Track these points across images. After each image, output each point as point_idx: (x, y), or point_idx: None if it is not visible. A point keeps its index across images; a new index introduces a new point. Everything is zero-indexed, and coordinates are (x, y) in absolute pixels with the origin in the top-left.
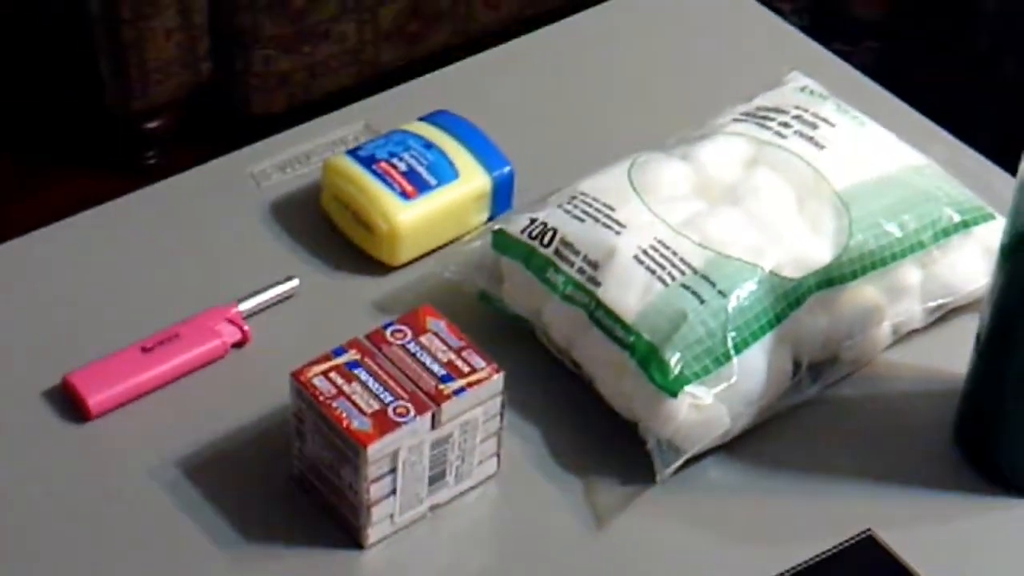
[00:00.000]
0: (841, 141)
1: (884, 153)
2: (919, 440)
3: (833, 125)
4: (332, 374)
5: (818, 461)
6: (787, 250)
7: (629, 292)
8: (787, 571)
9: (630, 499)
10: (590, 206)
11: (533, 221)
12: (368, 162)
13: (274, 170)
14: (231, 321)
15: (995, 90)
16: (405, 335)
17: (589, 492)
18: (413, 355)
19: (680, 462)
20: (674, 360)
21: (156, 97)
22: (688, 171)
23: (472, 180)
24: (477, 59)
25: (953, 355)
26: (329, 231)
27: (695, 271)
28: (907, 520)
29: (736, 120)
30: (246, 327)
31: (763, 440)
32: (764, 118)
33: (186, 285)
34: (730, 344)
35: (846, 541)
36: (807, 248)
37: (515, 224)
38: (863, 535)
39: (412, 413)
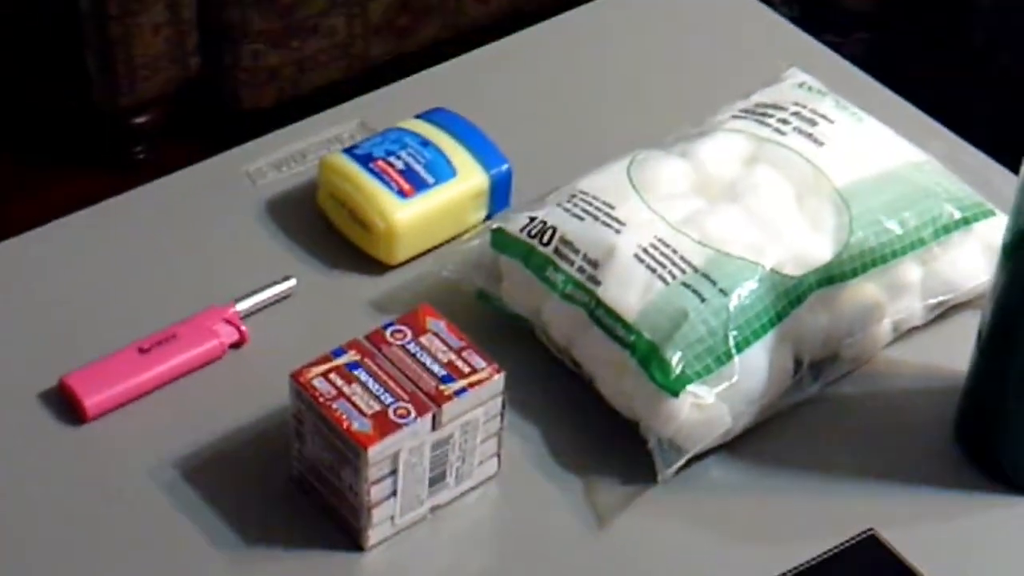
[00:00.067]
0: (840, 137)
1: (883, 149)
2: (920, 438)
3: (832, 122)
4: (332, 375)
5: (819, 459)
6: (787, 248)
7: (630, 291)
8: (790, 571)
9: (631, 499)
10: (590, 204)
11: (532, 220)
12: (365, 160)
13: (270, 168)
14: (228, 321)
15: (989, 84)
16: (405, 335)
17: (590, 492)
18: (413, 356)
19: (682, 462)
20: (675, 359)
21: (144, 92)
22: (687, 168)
23: (470, 178)
24: (472, 56)
25: (953, 352)
26: (325, 230)
27: (696, 269)
28: (909, 519)
29: (735, 117)
30: (243, 327)
31: (764, 439)
32: (763, 115)
33: (182, 285)
34: (731, 343)
35: (849, 540)
36: (807, 245)
37: (514, 223)
38: (865, 534)
39: (413, 414)
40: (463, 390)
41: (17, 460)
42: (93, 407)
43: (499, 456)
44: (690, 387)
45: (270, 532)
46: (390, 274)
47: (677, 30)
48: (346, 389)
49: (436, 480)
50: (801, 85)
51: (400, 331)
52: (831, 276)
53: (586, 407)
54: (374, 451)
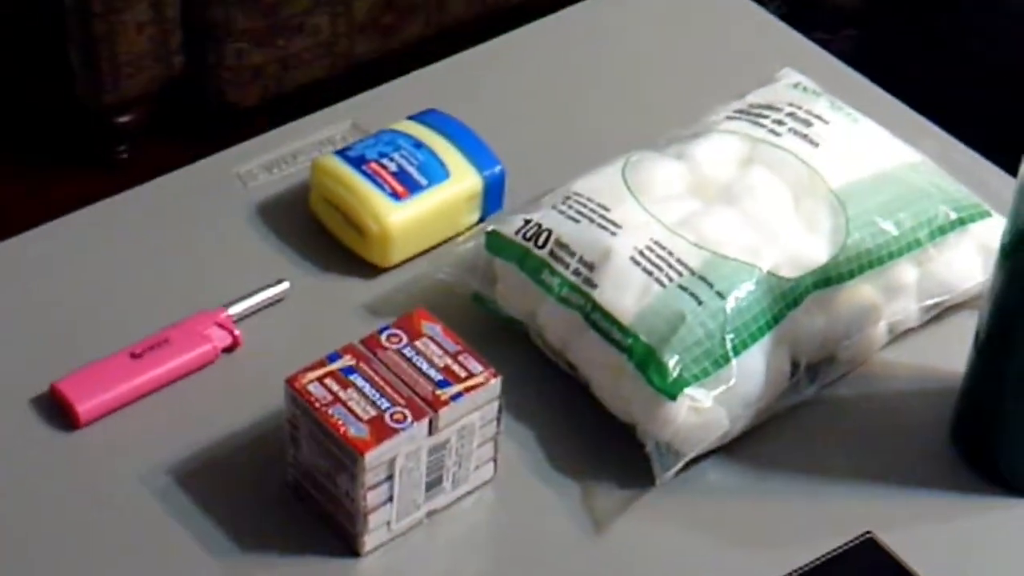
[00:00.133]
0: (835, 138)
1: (878, 150)
2: (916, 439)
3: (827, 122)
4: (327, 380)
5: (816, 462)
6: (784, 249)
7: (626, 294)
8: (788, 574)
9: (628, 503)
10: (584, 206)
11: (527, 222)
12: (357, 162)
13: (260, 170)
14: (221, 325)
15: (976, 80)
16: (400, 339)
17: (586, 496)
18: (409, 360)
19: (680, 465)
20: (673, 362)
21: (128, 91)
22: (682, 170)
23: (463, 180)
24: (464, 56)
25: (949, 353)
26: (318, 232)
27: (692, 272)
28: (906, 521)
29: (729, 118)
30: (236, 331)
31: (761, 442)
32: (758, 115)
33: (174, 288)
34: (729, 346)
35: (847, 543)
36: (803, 247)
37: (509, 225)
38: (864, 537)
39: (409, 419)
40: (460, 395)
41: (9, 467)
42: (85, 413)
43: (495, 460)
44: (687, 390)
45: (265, 538)
46: (383, 277)
47: (669, 30)
48: (342, 394)
49: (432, 485)
50: (796, 86)
51: (396, 335)
52: (828, 278)
53: (582, 410)
54: (371, 457)
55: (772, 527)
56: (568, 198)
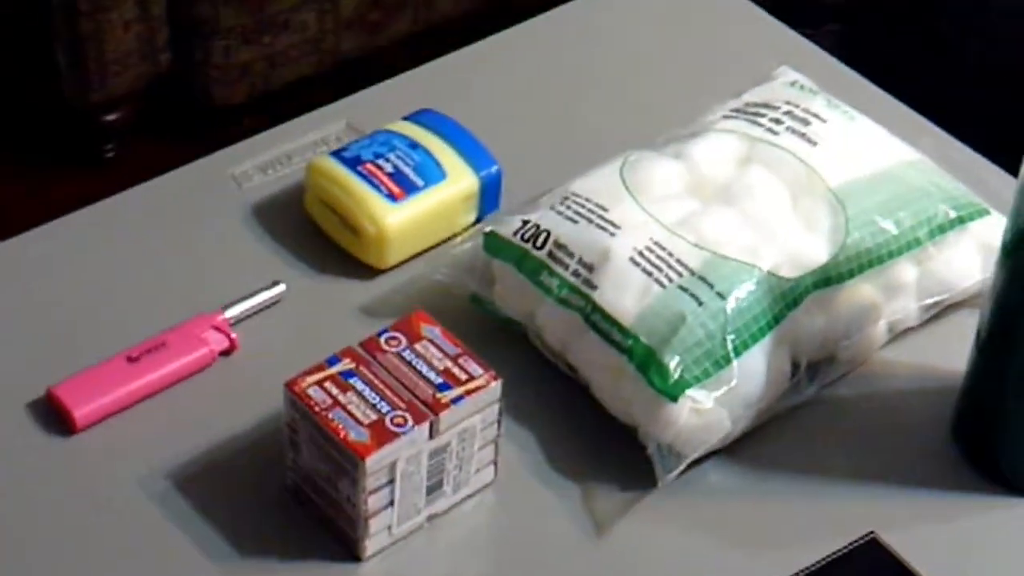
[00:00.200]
0: (833, 137)
1: (876, 148)
2: (917, 438)
3: (824, 121)
4: (327, 384)
5: (817, 462)
6: (783, 249)
7: (626, 294)
8: (794, 575)
9: (629, 505)
10: (583, 207)
11: (525, 223)
12: (353, 163)
13: (255, 171)
14: (218, 328)
15: (959, 75)
16: (400, 343)
17: (587, 498)
18: (409, 363)
19: (682, 467)
20: (674, 364)
21: (114, 89)
22: (681, 169)
23: (460, 181)
24: (457, 55)
25: (949, 352)
26: (313, 234)
27: (692, 272)
28: (908, 520)
29: (726, 117)
30: (233, 334)
31: (762, 442)
32: (755, 114)
33: (169, 291)
34: (730, 347)
35: (850, 544)
36: (803, 247)
37: (507, 226)
38: (867, 538)
39: (410, 423)
40: (460, 398)
41: (5, 472)
42: (82, 418)
43: (496, 463)
44: (689, 392)
45: (265, 543)
46: (380, 278)
47: (665, 28)
48: (342, 398)
49: (433, 489)
50: (792, 84)
51: (395, 338)
52: (828, 278)
53: (582, 412)
54: (371, 461)
55: (774, 528)
56: (566, 198)
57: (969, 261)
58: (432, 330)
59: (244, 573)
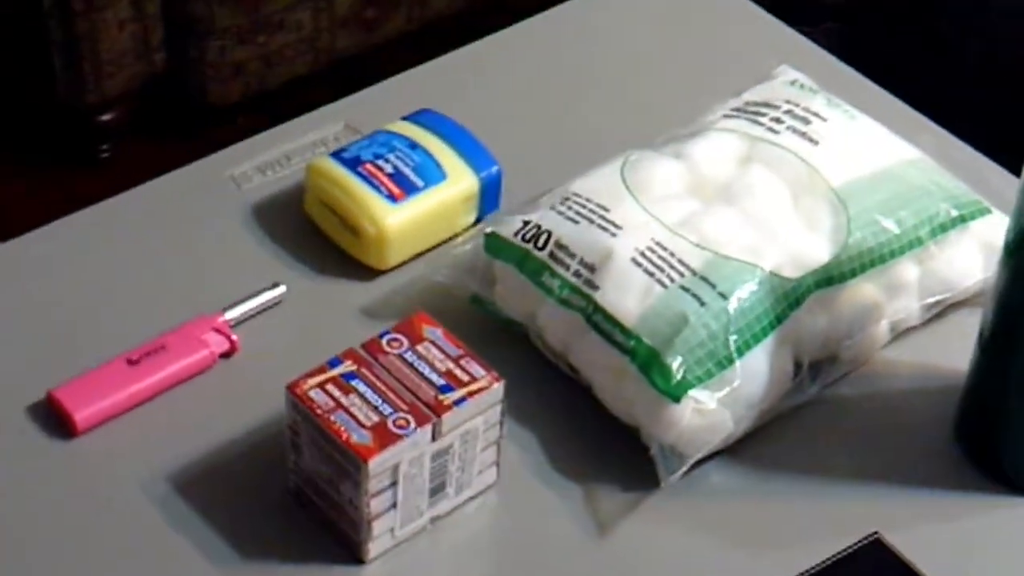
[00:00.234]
0: (834, 136)
1: (877, 147)
2: (919, 438)
3: (825, 120)
4: (329, 386)
5: (819, 462)
6: (785, 249)
7: (628, 295)
8: None
9: (632, 506)
10: (584, 207)
11: (526, 224)
12: (353, 164)
13: (254, 172)
14: (218, 330)
15: (958, 74)
16: (401, 344)
17: (590, 499)
18: (411, 365)
19: (685, 468)
20: (676, 365)
21: (110, 89)
22: (681, 169)
23: (460, 181)
24: (455, 55)
25: (950, 351)
26: (313, 235)
27: (694, 273)
28: (911, 521)
29: (727, 116)
30: (234, 336)
31: (764, 442)
32: (755, 113)
33: (169, 293)
34: (732, 347)
35: (854, 544)
36: (804, 246)
37: (507, 227)
38: (870, 538)
39: (412, 425)
40: (463, 399)
41: (6, 476)
42: (83, 421)
43: (498, 465)
44: (691, 392)
45: (267, 546)
46: (381, 279)
47: (664, 27)
48: (344, 400)
49: (436, 491)
50: (792, 83)
51: (397, 340)
52: (830, 277)
53: (583, 413)
54: (374, 463)
55: (777, 528)
56: (567, 199)
57: (971, 260)
58: (434, 331)
59: None
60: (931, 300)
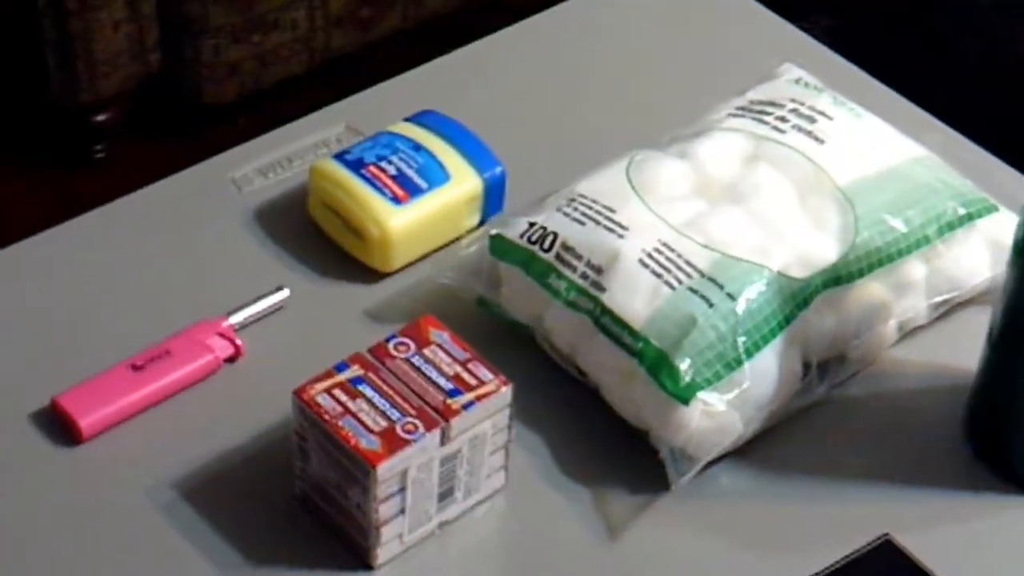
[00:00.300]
0: (840, 135)
1: (884, 145)
2: (929, 437)
3: (831, 118)
4: (336, 391)
5: (828, 463)
6: (792, 249)
7: (636, 297)
8: None
9: (641, 508)
10: (590, 208)
11: (532, 225)
12: (356, 166)
13: (256, 175)
14: (222, 335)
15: (956, 71)
16: (408, 348)
17: (599, 502)
18: (418, 369)
19: (695, 471)
20: (685, 366)
21: (104, 89)
22: (687, 169)
23: (464, 182)
24: (455, 55)
25: (958, 350)
26: (316, 237)
27: (702, 274)
28: (921, 521)
29: (731, 115)
30: (238, 341)
31: (773, 444)
32: (761, 112)
33: (172, 297)
34: (741, 348)
35: (865, 546)
36: (812, 246)
37: (513, 228)
38: (881, 539)
39: (421, 430)
40: (471, 403)
41: (11, 484)
42: (88, 427)
43: (507, 468)
44: (700, 394)
45: (274, 552)
46: (385, 282)
47: (665, 25)
48: (351, 405)
49: (445, 495)
50: (797, 81)
51: (403, 343)
52: (838, 277)
53: (591, 415)
54: (383, 469)
55: (787, 530)
56: (573, 200)
57: (978, 258)
58: (441, 335)
59: None
60: (939, 299)
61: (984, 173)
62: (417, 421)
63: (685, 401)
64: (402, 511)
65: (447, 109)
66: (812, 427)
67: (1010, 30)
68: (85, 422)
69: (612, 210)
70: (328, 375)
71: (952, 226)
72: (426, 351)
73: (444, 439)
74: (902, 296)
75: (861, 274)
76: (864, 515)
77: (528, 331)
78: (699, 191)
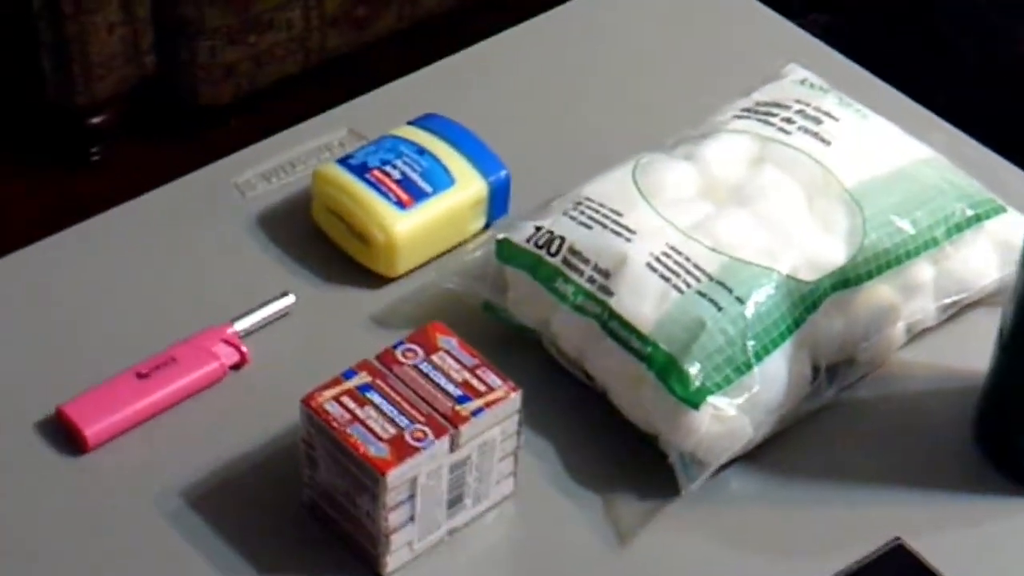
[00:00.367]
0: (846, 136)
1: (890, 147)
2: (939, 440)
3: (837, 119)
4: (344, 398)
5: (838, 466)
6: (801, 252)
7: (644, 301)
8: None
9: (650, 514)
10: (597, 212)
11: (538, 229)
12: (360, 171)
13: (258, 180)
14: (228, 342)
15: (959, 75)
16: (416, 354)
17: (609, 508)
18: (426, 375)
19: (706, 476)
20: (694, 371)
21: (100, 92)
22: (693, 172)
23: (469, 186)
24: (457, 57)
25: (967, 352)
26: (320, 242)
27: (710, 277)
28: (932, 525)
29: (737, 117)
30: (244, 348)
31: (782, 448)
32: (766, 114)
33: (176, 303)
34: (750, 352)
35: (877, 551)
36: (820, 249)
37: (520, 233)
38: (893, 544)
39: (430, 437)
40: (480, 410)
41: (16, 494)
42: (93, 436)
43: (515, 475)
44: (710, 399)
45: (282, 560)
46: (390, 287)
47: (667, 26)
48: (359, 413)
49: (454, 503)
50: (803, 82)
51: (411, 350)
52: (846, 279)
53: (600, 420)
54: (392, 476)
55: (798, 535)
56: (579, 203)
57: (986, 259)
58: (448, 341)
59: None
60: (947, 300)
61: (989, 173)
62: (426, 428)
63: (695, 406)
64: (412, 518)
65: (449, 112)
66: (821, 430)
67: (1010, 30)
68: (90, 431)
69: (619, 214)
70: (336, 382)
71: (960, 227)
72: (434, 357)
73: (453, 446)
74: (910, 298)
75: (870, 276)
76: (874, 518)
77: (535, 335)
78: (705, 193)
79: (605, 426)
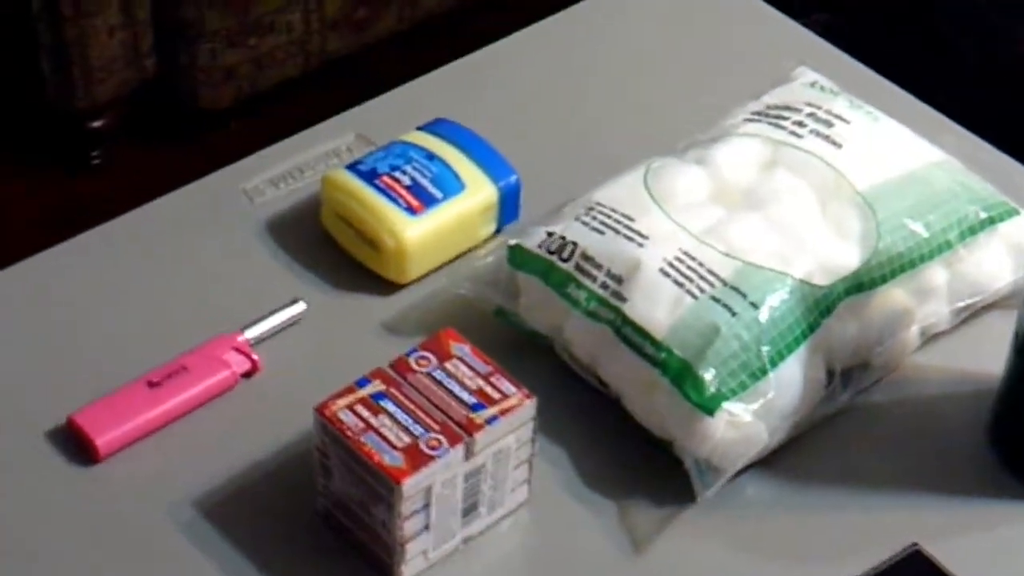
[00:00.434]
0: (858, 139)
1: (902, 149)
2: (954, 443)
3: (848, 122)
4: (358, 407)
5: (853, 471)
6: (814, 256)
7: (657, 307)
8: None
9: (665, 521)
10: (608, 217)
11: (550, 235)
12: (370, 176)
13: (267, 186)
14: (239, 350)
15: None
16: (430, 362)
17: (624, 515)
18: (440, 383)
19: (722, 482)
20: (709, 377)
21: (100, 95)
22: (704, 176)
23: (479, 192)
24: (464, 62)
25: (981, 355)
26: (330, 248)
27: (724, 282)
28: (947, 529)
29: (748, 120)
30: (255, 355)
31: (797, 453)
32: (777, 117)
33: (186, 311)
34: (765, 357)
35: (894, 557)
36: (833, 253)
37: (531, 238)
38: (910, 550)
39: (445, 445)
40: (495, 418)
41: (28, 504)
42: (105, 445)
43: (530, 482)
44: (725, 405)
45: (296, 570)
46: (401, 293)
47: (674, 29)
48: (374, 421)
49: (469, 511)
50: (812, 85)
51: (425, 358)
52: (860, 284)
53: (613, 426)
54: (407, 485)
55: (813, 541)
56: (591, 209)
57: (999, 262)
58: (462, 348)
59: None
60: (961, 304)
61: (1000, 175)
62: (441, 436)
63: (710, 412)
64: (427, 527)
65: (457, 116)
66: (836, 435)
67: (1010, 30)
68: (102, 440)
69: (631, 219)
70: (349, 391)
71: (974, 230)
72: (448, 365)
73: (468, 454)
74: (924, 302)
75: (883, 280)
76: (890, 524)
77: (547, 341)
78: (717, 198)
79: (619, 432)
